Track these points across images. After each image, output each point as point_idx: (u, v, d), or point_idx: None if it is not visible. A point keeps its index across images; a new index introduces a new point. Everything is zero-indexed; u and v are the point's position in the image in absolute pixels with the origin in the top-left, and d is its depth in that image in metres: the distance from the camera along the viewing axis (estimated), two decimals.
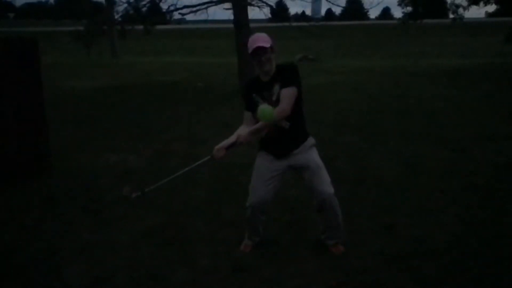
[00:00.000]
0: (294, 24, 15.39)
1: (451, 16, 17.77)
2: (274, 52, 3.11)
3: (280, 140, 3.17)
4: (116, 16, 15.33)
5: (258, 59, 3.07)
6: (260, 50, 3.04)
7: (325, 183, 3.23)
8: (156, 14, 14.98)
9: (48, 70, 12.09)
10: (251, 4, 12.46)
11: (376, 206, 4.23)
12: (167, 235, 3.78)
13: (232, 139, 3.13)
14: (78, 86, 13.20)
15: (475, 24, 39.54)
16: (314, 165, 3.21)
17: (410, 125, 7.42)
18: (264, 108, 2.98)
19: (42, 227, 4.02)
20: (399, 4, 18.16)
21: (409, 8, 18.07)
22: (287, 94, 3.03)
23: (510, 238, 3.56)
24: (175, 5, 13.44)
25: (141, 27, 14.12)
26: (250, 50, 3.06)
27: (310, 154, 3.24)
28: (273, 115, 2.97)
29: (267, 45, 3.05)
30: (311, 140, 3.27)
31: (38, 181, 5.06)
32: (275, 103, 3.07)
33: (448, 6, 18.00)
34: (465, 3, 16.89)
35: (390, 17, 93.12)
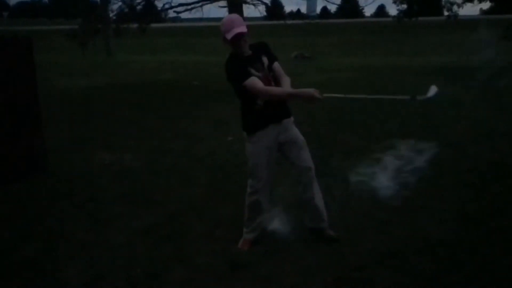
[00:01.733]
0: (290, 22, 15.42)
1: (445, 13, 17.79)
2: (249, 31, 3.24)
3: (278, 106, 3.32)
4: (111, 15, 15.29)
5: (238, 43, 3.20)
6: (240, 35, 3.16)
7: (310, 159, 3.46)
8: (151, 13, 14.96)
9: (43, 69, 12.03)
10: (246, 2, 12.48)
11: (372, 203, 4.24)
12: (163, 234, 3.78)
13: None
14: (74, 85, 13.17)
15: (470, 22, 39.62)
16: (301, 141, 3.43)
17: (405, 122, 7.45)
18: None
19: (38, 226, 4.00)
20: (394, 2, 18.16)
21: (404, 6, 18.09)
22: (280, 68, 3.37)
23: (506, 235, 3.58)
24: (170, 3, 13.45)
25: (136, 25, 14.09)
26: (229, 36, 3.13)
27: (296, 130, 3.45)
28: None
29: (245, 29, 3.18)
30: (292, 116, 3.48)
31: (34, 180, 5.04)
32: (269, 72, 3.30)
33: (443, 3, 18.04)
34: (459, 1, 16.94)
35: (385, 15, 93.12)
